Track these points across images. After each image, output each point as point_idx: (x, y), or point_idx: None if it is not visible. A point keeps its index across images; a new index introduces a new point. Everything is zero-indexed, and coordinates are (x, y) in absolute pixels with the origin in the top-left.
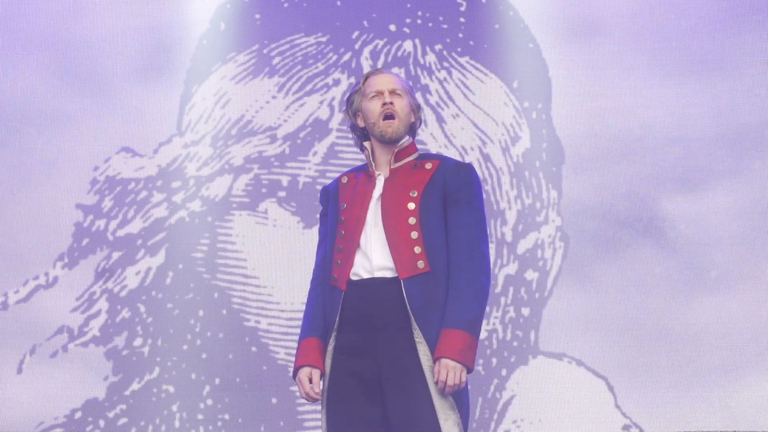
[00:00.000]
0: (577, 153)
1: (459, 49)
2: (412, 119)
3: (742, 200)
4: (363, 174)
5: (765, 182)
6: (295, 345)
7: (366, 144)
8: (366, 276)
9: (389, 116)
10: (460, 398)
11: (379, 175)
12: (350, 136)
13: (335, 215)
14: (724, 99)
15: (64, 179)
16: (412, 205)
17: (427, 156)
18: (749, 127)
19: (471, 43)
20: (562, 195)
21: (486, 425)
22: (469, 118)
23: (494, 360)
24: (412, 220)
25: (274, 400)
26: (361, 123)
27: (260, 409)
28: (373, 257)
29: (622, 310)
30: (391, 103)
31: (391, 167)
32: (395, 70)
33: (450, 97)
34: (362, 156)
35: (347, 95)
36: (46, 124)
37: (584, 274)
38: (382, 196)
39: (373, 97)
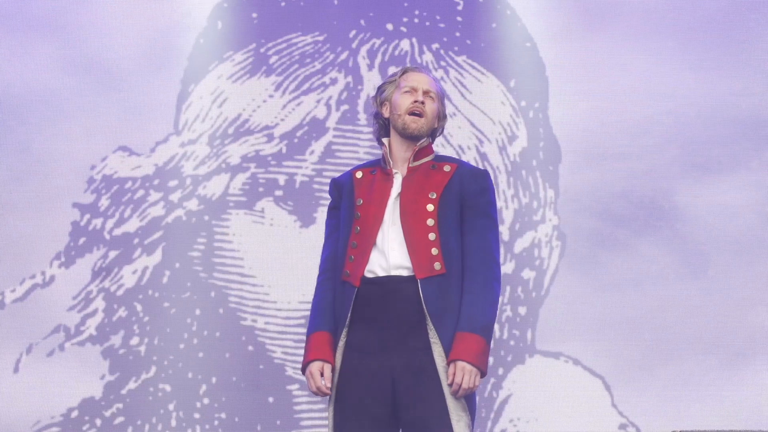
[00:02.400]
0: (574, 152)
1: (456, 48)
2: (435, 125)
3: (739, 198)
4: (379, 170)
5: (762, 180)
6: (292, 344)
7: (384, 140)
8: (382, 274)
9: (416, 114)
10: (469, 400)
11: (396, 173)
12: (348, 135)
13: (350, 210)
14: (720, 97)
15: (60, 178)
16: (431, 207)
17: (444, 158)
18: (746, 126)
19: (468, 42)
20: (558, 194)
21: (483, 424)
22: (466, 117)
23: (491, 359)
24: (430, 222)
25: (270, 399)
26: (386, 113)
27: (257, 408)
28: (390, 255)
29: (619, 309)
30: (422, 103)
31: (410, 166)
32: (392, 69)
33: (447, 96)
34: (359, 155)
35: (380, 84)
36: (43, 123)
37: (581, 273)
38: (401, 195)
39: (407, 91)
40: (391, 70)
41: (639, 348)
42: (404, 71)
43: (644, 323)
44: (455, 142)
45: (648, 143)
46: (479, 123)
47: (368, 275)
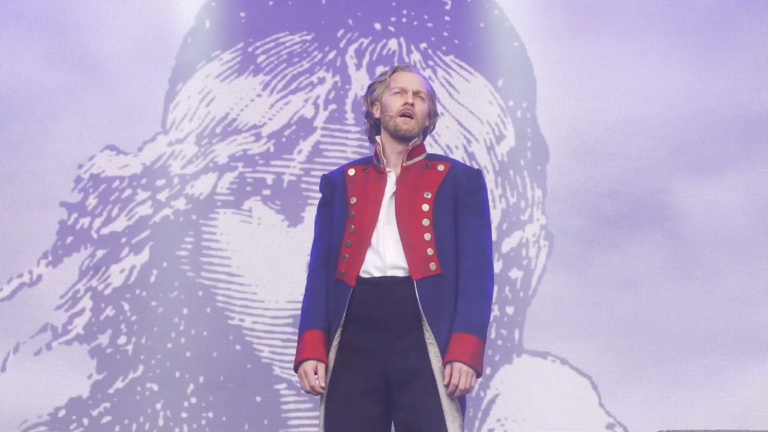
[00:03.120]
0: (562, 151)
1: (444, 48)
2: (427, 123)
3: (727, 198)
4: (372, 169)
5: (749, 181)
6: (279, 343)
7: (377, 138)
8: (377, 274)
9: (407, 115)
10: (461, 400)
11: (390, 171)
12: (335, 134)
13: (344, 209)
14: (709, 97)
15: (48, 177)
16: (426, 207)
17: (437, 157)
18: (735, 125)
19: (456, 41)
20: (546, 193)
21: (470, 423)
22: (454, 117)
23: None
24: (426, 222)
25: (258, 399)
26: (376, 113)
27: (244, 407)
28: (387, 256)
29: (606, 309)
30: (412, 105)
31: (404, 165)
32: (380, 68)
33: (435, 95)
34: (347, 155)
35: (370, 83)
36: (31, 122)
37: (569, 273)
38: (396, 194)
39: (396, 93)
40: (379, 69)
41: (626, 348)
42: (394, 71)
43: (632, 323)
44: (443, 141)
45: (636, 143)
46: (467, 122)
47: (363, 275)
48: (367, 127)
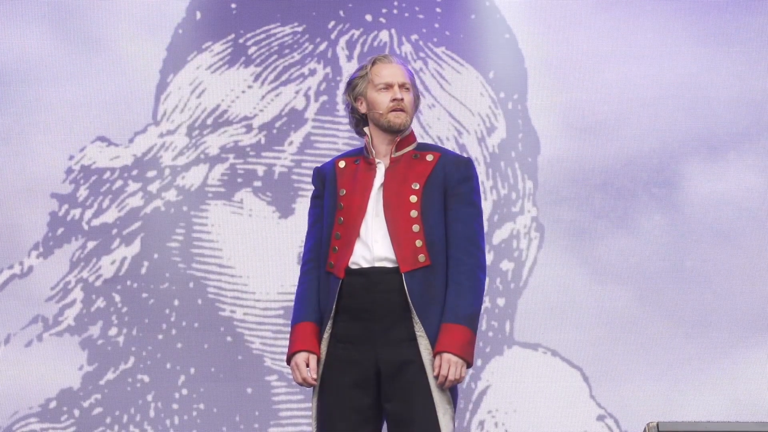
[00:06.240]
0: (553, 143)
1: (435, 40)
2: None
3: (717, 190)
4: (362, 160)
5: (741, 172)
6: (270, 335)
7: (366, 129)
8: (365, 265)
9: (399, 110)
10: (452, 392)
11: (379, 163)
12: (326, 126)
13: (333, 200)
14: (699, 90)
15: (39, 168)
16: (414, 198)
17: (427, 147)
18: (725, 119)
19: (447, 33)
20: (537, 185)
21: (461, 415)
22: (445, 109)
23: None
24: (413, 213)
25: (249, 390)
26: (362, 109)
27: (235, 398)
28: (374, 248)
29: (597, 301)
30: (402, 99)
31: (392, 156)
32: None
33: (426, 88)
34: (338, 146)
35: (350, 77)
36: (20, 113)
37: (560, 265)
38: (384, 186)
39: (382, 89)
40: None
41: (617, 340)
42: (373, 63)
43: (623, 315)
44: (434, 133)
45: (627, 134)
46: (458, 114)
47: (352, 267)
48: (353, 121)
